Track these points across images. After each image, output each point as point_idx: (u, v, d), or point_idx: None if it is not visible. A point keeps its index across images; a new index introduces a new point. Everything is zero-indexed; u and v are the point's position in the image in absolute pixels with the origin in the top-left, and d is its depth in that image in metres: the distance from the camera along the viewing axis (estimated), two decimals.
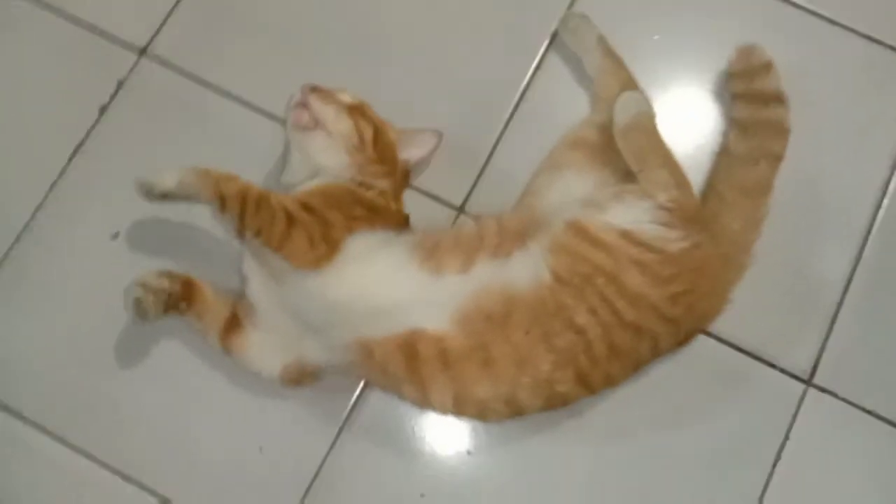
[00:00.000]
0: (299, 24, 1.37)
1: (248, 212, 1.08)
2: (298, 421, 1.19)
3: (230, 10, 1.37)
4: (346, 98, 1.21)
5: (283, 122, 1.30)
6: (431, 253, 1.09)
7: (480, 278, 1.07)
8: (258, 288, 1.15)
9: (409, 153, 1.23)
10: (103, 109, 1.33)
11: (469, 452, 1.18)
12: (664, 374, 1.17)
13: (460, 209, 1.28)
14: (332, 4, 1.37)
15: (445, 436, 1.19)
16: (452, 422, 1.17)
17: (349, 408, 1.20)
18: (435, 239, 1.11)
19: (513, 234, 1.11)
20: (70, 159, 1.30)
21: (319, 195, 1.13)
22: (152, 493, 1.18)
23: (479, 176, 1.30)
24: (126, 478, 1.18)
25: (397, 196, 1.23)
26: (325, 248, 1.08)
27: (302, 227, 1.08)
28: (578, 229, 1.07)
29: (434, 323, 1.05)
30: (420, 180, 1.28)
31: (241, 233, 1.10)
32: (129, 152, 1.31)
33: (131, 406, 1.20)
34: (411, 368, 1.05)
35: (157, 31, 1.36)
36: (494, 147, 1.30)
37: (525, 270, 1.07)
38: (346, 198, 1.14)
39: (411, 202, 1.26)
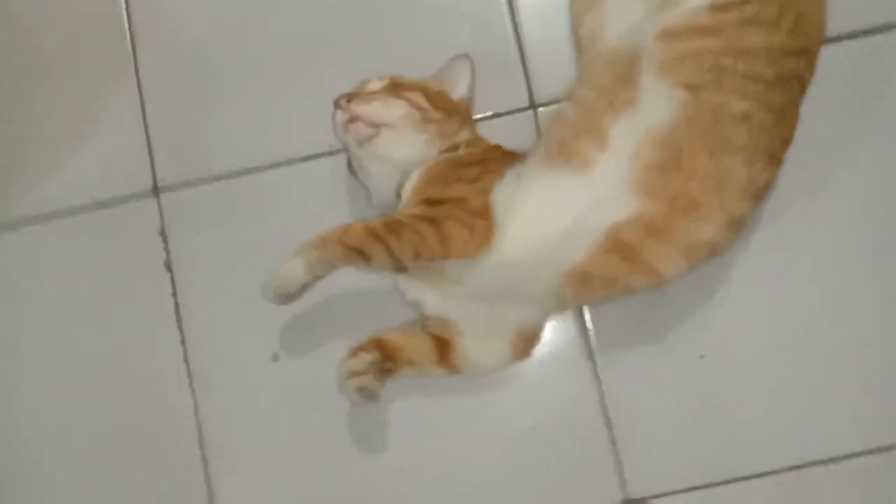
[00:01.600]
0: (261, 62, 1.28)
1: (392, 243, 1.01)
2: None
3: (196, 101, 1.28)
4: (377, 84, 1.13)
5: (318, 155, 1.24)
6: (563, 153, 1.03)
7: (626, 142, 1.01)
8: (438, 302, 1.10)
9: (458, 89, 1.17)
10: (169, 265, 1.25)
11: None
12: None
13: (532, 106, 1.22)
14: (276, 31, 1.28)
15: None
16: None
17: None
18: (553, 140, 1.05)
19: (614, 86, 1.04)
20: (179, 323, 1.23)
21: (429, 184, 1.07)
22: None
23: (524, 67, 1.22)
24: None
25: (478, 135, 1.16)
26: (482, 222, 1.02)
27: (447, 220, 1.02)
28: (672, 33, 1.01)
29: (621, 209, 1.00)
30: (479, 108, 1.22)
31: (399, 267, 1.04)
32: (218, 278, 1.24)
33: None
34: (631, 260, 1.01)
35: (153, 166, 1.26)
36: (518, 35, 1.23)
37: (658, 106, 1.01)
38: (452, 169, 1.08)
39: (487, 133, 1.19)
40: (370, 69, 1.18)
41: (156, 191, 1.26)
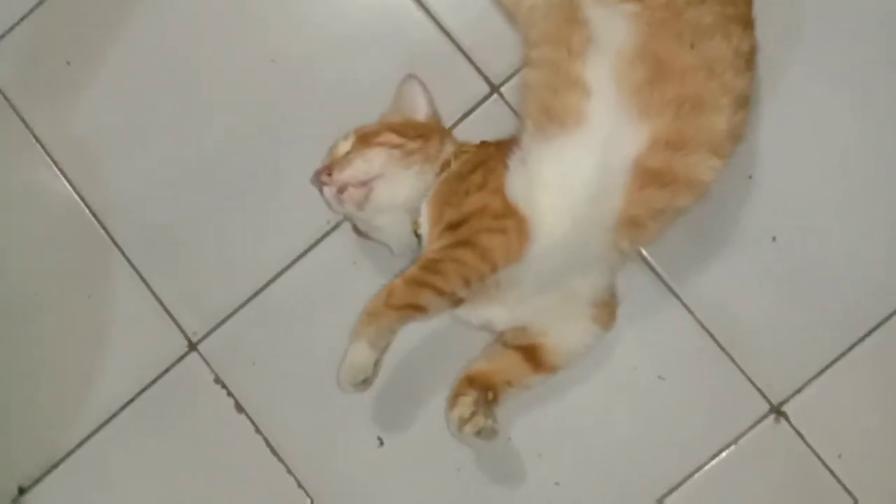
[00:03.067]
0: (225, 187, 1.24)
1: (438, 283, 0.98)
2: None
3: (186, 250, 1.24)
4: (345, 144, 1.10)
5: (324, 237, 1.21)
6: (552, 118, 0.99)
7: (604, 77, 0.97)
8: (505, 314, 1.06)
9: (420, 110, 1.14)
10: (240, 406, 1.22)
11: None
12: None
13: (494, 89, 1.19)
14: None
15: None
16: None
17: None
18: (535, 111, 1.01)
19: (563, 33, 1.01)
20: (277, 455, 1.20)
21: (443, 209, 1.03)
22: None
23: (466, 57, 1.19)
24: None
25: (462, 143, 1.13)
26: (511, 220, 0.98)
27: (479, 235, 0.98)
28: None
29: (634, 140, 0.96)
30: (448, 117, 1.18)
31: (455, 301, 1.01)
32: (290, 394, 1.21)
33: None
34: (669, 183, 0.97)
35: (179, 326, 1.23)
36: (445, 31, 1.20)
37: (615, 29, 0.98)
38: (456, 185, 1.04)
39: (467, 135, 1.16)
40: (328, 134, 1.15)
41: (192, 346, 1.23)
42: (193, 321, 1.23)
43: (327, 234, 1.21)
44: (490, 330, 1.09)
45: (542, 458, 1.14)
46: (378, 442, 1.18)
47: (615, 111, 0.97)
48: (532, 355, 1.07)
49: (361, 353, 1.01)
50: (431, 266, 0.99)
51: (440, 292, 0.98)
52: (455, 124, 1.19)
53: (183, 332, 1.23)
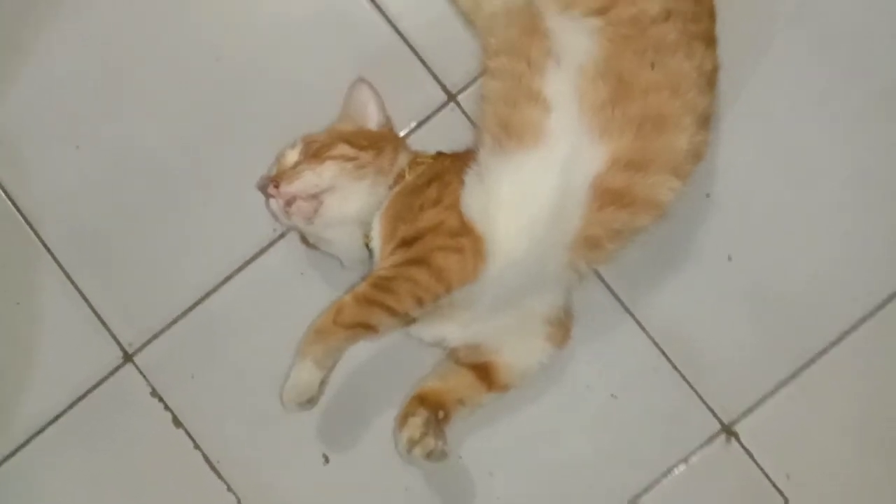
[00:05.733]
0: (161, 192, 1.18)
1: (390, 302, 0.94)
2: None
3: (121, 258, 1.18)
4: (293, 153, 1.05)
5: (268, 246, 1.16)
6: (510, 133, 0.96)
7: (565, 93, 0.95)
8: (459, 332, 1.03)
9: (371, 118, 1.09)
10: (177, 421, 1.16)
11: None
12: None
13: (451, 97, 1.15)
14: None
15: None
16: None
17: None
18: (493, 124, 0.98)
19: (523, 43, 0.98)
20: (216, 471, 1.15)
21: (395, 224, 0.99)
22: None
23: (423, 63, 1.15)
24: None
25: (416, 153, 1.09)
26: (466, 239, 0.95)
27: (433, 253, 0.95)
28: None
29: (594, 160, 0.94)
30: (401, 124, 1.14)
31: (407, 320, 0.97)
32: (230, 408, 1.16)
33: None
34: (627, 204, 0.95)
35: (114, 336, 1.17)
36: (401, 35, 1.15)
37: (577, 43, 0.96)
38: (410, 199, 1.00)
39: (421, 144, 1.12)
40: (274, 138, 1.09)
41: (127, 357, 1.17)
42: (129, 331, 1.17)
43: (273, 242, 1.16)
44: (442, 346, 1.06)
45: (494, 477, 1.12)
46: (323, 459, 1.14)
47: (576, 129, 0.94)
48: (485, 374, 1.05)
49: (306, 373, 0.97)
50: (383, 284, 0.95)
51: (392, 312, 0.95)
52: (409, 133, 1.15)
53: (118, 342, 1.17)
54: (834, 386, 1.09)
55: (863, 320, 1.09)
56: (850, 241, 1.11)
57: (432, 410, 1.03)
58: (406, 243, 0.97)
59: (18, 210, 1.18)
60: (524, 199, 0.94)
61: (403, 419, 1.03)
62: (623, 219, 0.96)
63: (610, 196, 0.94)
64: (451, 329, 1.03)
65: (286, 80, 1.16)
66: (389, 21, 1.15)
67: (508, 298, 0.99)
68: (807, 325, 1.10)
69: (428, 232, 0.96)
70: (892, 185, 1.10)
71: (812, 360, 1.10)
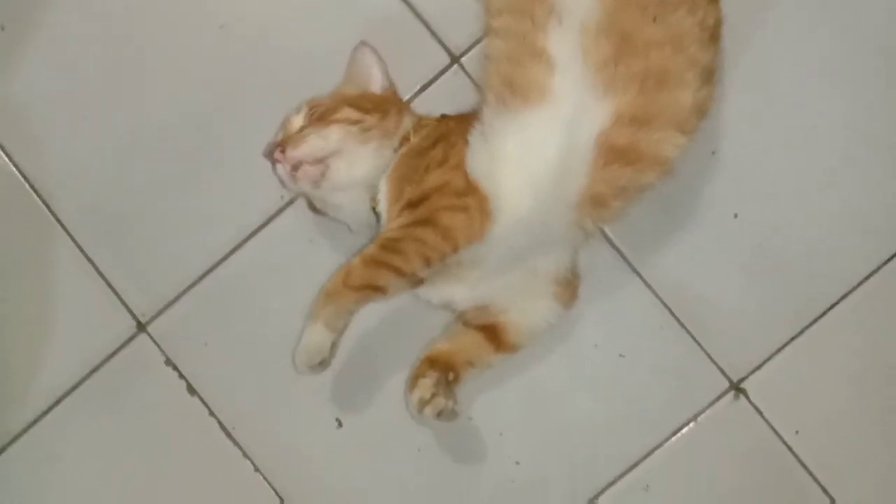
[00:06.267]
0: (170, 162, 1.18)
1: (398, 262, 0.95)
2: None
3: (133, 229, 1.19)
4: (298, 118, 1.05)
5: (277, 213, 1.16)
6: (515, 91, 0.96)
7: (569, 51, 0.94)
8: (467, 293, 1.04)
9: (375, 81, 1.09)
10: (192, 388, 1.18)
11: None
12: None
13: (454, 59, 1.15)
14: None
15: None
16: None
17: None
18: (497, 83, 0.98)
19: (526, 1, 0.97)
20: (232, 438, 1.17)
21: (402, 186, 1.00)
22: None
23: (426, 25, 1.15)
24: None
25: (420, 116, 1.10)
26: (472, 199, 0.95)
27: (440, 213, 0.95)
28: None
29: (598, 116, 0.94)
30: (405, 88, 1.14)
31: (415, 281, 0.98)
32: (244, 376, 1.17)
33: None
34: (633, 161, 0.95)
35: (127, 307, 1.19)
36: (407, 2, 1.15)
37: (582, 1, 0.94)
38: (415, 161, 1.01)
39: (425, 108, 1.13)
40: (280, 105, 1.10)
41: (141, 327, 1.19)
42: (142, 301, 1.18)
43: (281, 210, 1.17)
44: (451, 309, 1.07)
45: (504, 437, 1.13)
46: (336, 423, 1.16)
47: (580, 86, 0.94)
48: (493, 335, 1.06)
49: (318, 335, 0.98)
50: (391, 245, 0.96)
51: (400, 272, 0.96)
52: (413, 97, 1.15)
53: (131, 312, 1.19)
54: (839, 342, 1.10)
55: (867, 277, 1.09)
56: (854, 200, 1.10)
57: (442, 372, 1.04)
58: (412, 204, 0.97)
59: (30, 184, 1.19)
60: (529, 157, 0.94)
61: (414, 381, 1.04)
62: (628, 175, 0.96)
63: (615, 153, 0.94)
64: (459, 290, 1.03)
65: (290, 47, 1.16)
66: None
67: (515, 258, 1.00)
68: (812, 282, 1.10)
69: (434, 192, 0.96)
70: None
71: (819, 317, 1.10)
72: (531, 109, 0.95)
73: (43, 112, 1.19)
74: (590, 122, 0.94)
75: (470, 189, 0.95)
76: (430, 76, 1.15)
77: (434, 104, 1.13)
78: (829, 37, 1.11)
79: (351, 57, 1.11)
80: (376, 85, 1.09)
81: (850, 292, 1.09)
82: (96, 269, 1.19)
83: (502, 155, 0.95)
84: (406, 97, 1.14)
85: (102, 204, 1.19)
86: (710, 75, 0.98)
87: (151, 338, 1.18)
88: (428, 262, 0.95)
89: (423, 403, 1.01)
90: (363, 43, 1.10)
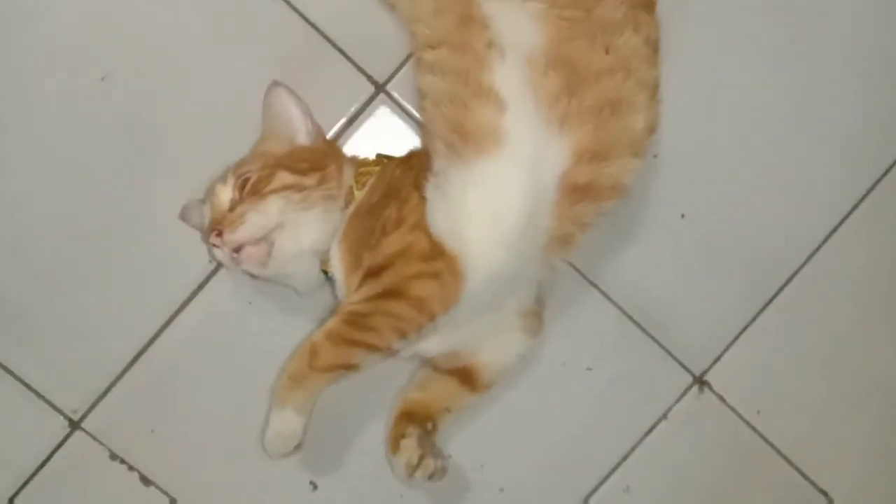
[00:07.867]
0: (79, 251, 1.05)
1: (370, 339, 0.90)
2: None
3: (49, 323, 1.05)
4: (226, 190, 0.94)
5: (208, 279, 1.06)
6: (466, 138, 0.89)
7: (516, 87, 0.89)
8: (437, 343, 0.98)
9: (299, 128, 1.00)
10: (145, 479, 1.08)
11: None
12: None
13: (379, 88, 1.06)
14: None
15: None
16: None
17: None
18: (444, 128, 0.91)
19: (461, 33, 0.90)
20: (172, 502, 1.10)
21: (357, 252, 0.93)
22: None
23: (344, 55, 1.05)
24: None
25: (356, 159, 1.02)
26: (440, 262, 0.89)
27: (408, 283, 0.89)
28: None
29: (558, 156, 0.90)
30: (328, 124, 1.05)
31: (388, 353, 0.93)
32: (201, 454, 1.09)
33: None
34: (596, 194, 0.92)
35: (55, 406, 1.06)
36: (318, 30, 1.04)
37: (520, 31, 0.90)
38: (367, 221, 0.93)
39: (354, 143, 1.05)
40: (190, 160, 1.01)
41: (74, 424, 1.07)
42: (71, 398, 1.06)
43: (212, 274, 1.07)
44: (419, 357, 1.02)
45: (485, 468, 1.12)
46: (311, 486, 1.10)
47: (535, 124, 0.89)
48: (467, 378, 1.02)
49: (289, 421, 0.93)
50: (359, 321, 0.90)
51: (373, 349, 0.90)
52: (341, 132, 1.06)
53: (60, 411, 1.06)
54: (788, 322, 1.13)
55: (811, 255, 1.13)
56: (791, 179, 1.12)
57: (421, 425, 1.01)
58: (374, 273, 0.90)
59: None
60: (495, 210, 0.89)
61: (395, 443, 1.00)
62: (593, 210, 0.93)
63: (578, 191, 0.91)
64: (430, 342, 0.98)
65: (192, 93, 1.03)
66: (299, 13, 1.03)
67: (487, 307, 0.96)
68: (761, 268, 1.13)
69: (397, 258, 0.90)
70: (828, 124, 1.12)
71: (768, 302, 1.13)
72: (488, 158, 0.89)
73: None
74: (551, 161, 0.89)
75: (436, 251, 0.89)
76: (356, 108, 1.06)
77: (364, 137, 1.06)
78: (751, 20, 1.10)
79: (265, 101, 1.00)
80: (301, 134, 0.99)
81: (797, 271, 1.13)
82: (9, 371, 1.05)
83: (465, 210, 0.89)
84: (331, 133, 1.05)
85: (5, 303, 1.04)
86: (656, 91, 0.95)
87: (89, 434, 1.07)
88: (404, 335, 0.90)
89: (412, 468, 0.98)
90: (276, 83, 0.99)
